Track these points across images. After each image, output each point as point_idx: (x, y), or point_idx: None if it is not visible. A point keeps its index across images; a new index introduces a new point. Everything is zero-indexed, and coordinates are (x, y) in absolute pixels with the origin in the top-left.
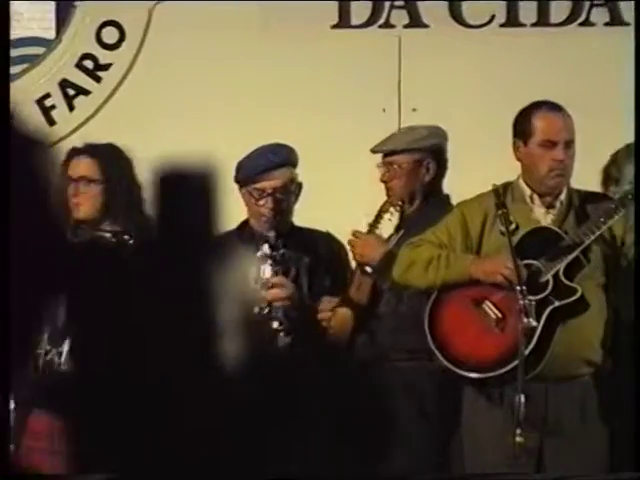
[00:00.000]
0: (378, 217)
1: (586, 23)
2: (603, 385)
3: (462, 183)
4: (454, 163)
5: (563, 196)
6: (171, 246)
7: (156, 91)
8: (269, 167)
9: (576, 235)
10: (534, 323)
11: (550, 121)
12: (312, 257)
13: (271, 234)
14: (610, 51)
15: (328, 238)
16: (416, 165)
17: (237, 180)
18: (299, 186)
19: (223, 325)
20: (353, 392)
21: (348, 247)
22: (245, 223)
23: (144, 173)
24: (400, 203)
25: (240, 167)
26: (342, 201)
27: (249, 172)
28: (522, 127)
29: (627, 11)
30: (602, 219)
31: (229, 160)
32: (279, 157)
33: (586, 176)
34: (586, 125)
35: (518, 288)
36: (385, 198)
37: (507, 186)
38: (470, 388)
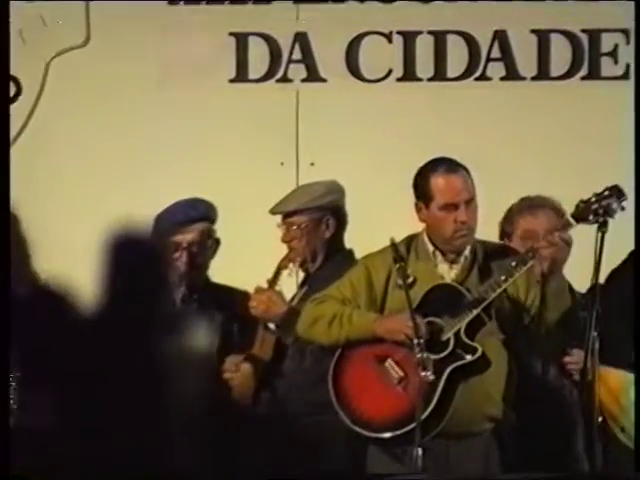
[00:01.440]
0: (276, 274)
1: (482, 78)
2: (506, 440)
3: (364, 237)
4: (355, 217)
5: (467, 251)
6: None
7: (54, 146)
8: (186, 221)
9: (478, 292)
10: (432, 377)
11: (449, 183)
12: (225, 314)
13: (182, 289)
14: (507, 105)
15: (245, 296)
16: (316, 223)
17: (155, 233)
18: (216, 242)
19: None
20: (260, 449)
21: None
22: None
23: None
24: (299, 259)
25: (158, 220)
26: (252, 257)
27: (166, 225)
28: (422, 189)
29: (522, 66)
30: (503, 277)
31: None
32: (197, 211)
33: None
34: (484, 180)
35: (415, 341)
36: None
37: (412, 239)
38: (373, 446)
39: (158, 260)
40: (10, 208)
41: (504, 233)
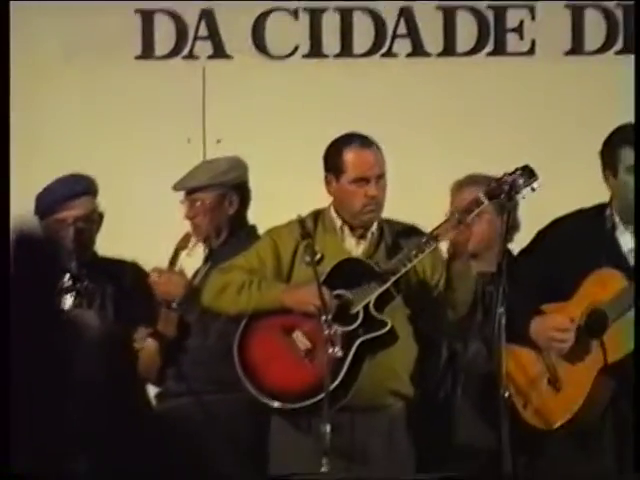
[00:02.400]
0: (175, 254)
1: (388, 54)
2: (411, 416)
3: (269, 213)
4: (260, 193)
5: (374, 227)
6: None
7: None
8: (70, 196)
9: (388, 266)
10: (340, 353)
11: (361, 157)
12: (117, 287)
13: (72, 265)
14: (413, 81)
15: (134, 268)
16: (219, 200)
17: (37, 213)
18: (100, 216)
19: None
20: (162, 427)
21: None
22: None
23: None
24: (202, 236)
25: (40, 199)
26: (148, 233)
27: (49, 203)
28: (333, 163)
29: (429, 42)
30: (414, 252)
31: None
32: (80, 186)
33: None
34: (395, 158)
35: (323, 318)
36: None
37: (318, 214)
38: (278, 418)
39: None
40: (10, 207)
41: None
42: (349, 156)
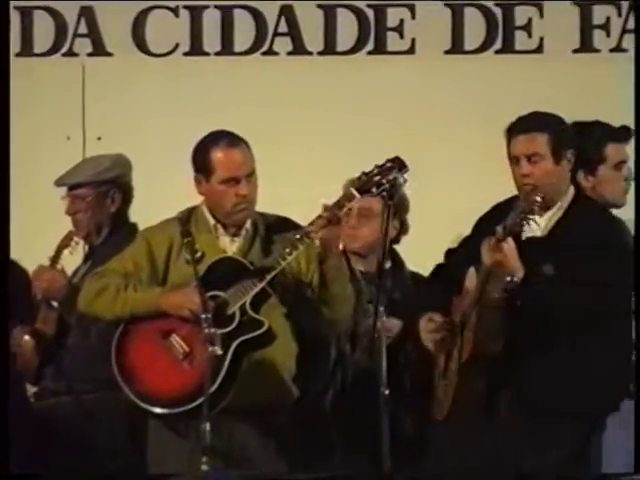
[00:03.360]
0: (57, 253)
1: (269, 52)
2: (294, 415)
3: (149, 211)
4: (140, 191)
5: (248, 224)
6: None
7: None
8: None
9: (262, 265)
10: (219, 351)
11: (230, 157)
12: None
13: None
14: (293, 80)
15: (14, 266)
16: (101, 196)
17: None
18: None
19: None
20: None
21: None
22: None
23: None
24: (83, 232)
25: None
26: (28, 230)
27: None
28: (202, 163)
29: (311, 41)
30: (288, 250)
31: None
32: None
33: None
34: (265, 155)
35: (203, 316)
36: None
37: (192, 212)
38: (156, 422)
39: None
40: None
41: None
42: (217, 156)
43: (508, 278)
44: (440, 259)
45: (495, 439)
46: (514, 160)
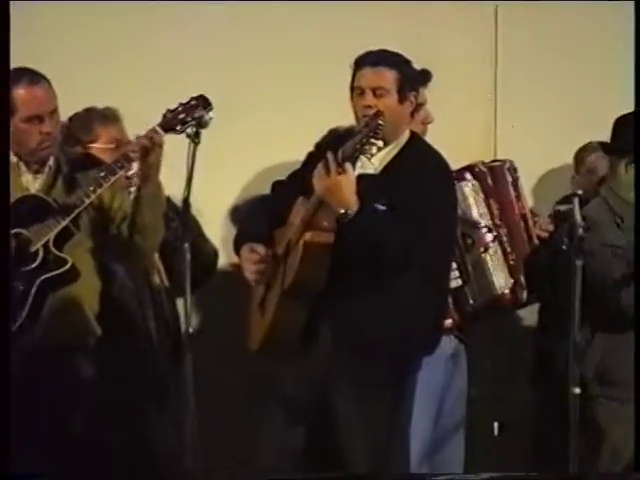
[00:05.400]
0: None
1: None
2: (99, 352)
3: None
4: None
5: (51, 161)
6: None
7: None
8: None
9: (66, 203)
10: (21, 287)
11: (32, 94)
12: None
13: None
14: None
15: None
16: None
17: None
18: None
19: None
20: None
21: None
22: None
23: None
24: None
25: None
26: None
27: None
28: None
29: None
30: (92, 187)
31: None
32: None
33: None
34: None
35: None
36: None
37: None
38: None
39: None
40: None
41: None
42: (19, 94)
43: (342, 211)
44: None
45: (310, 372)
46: (358, 91)
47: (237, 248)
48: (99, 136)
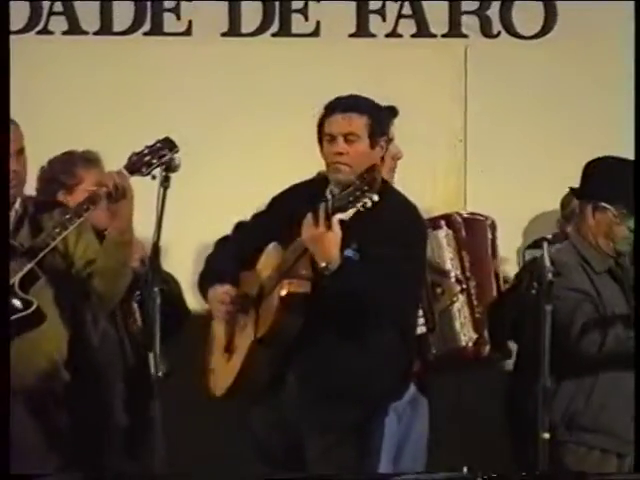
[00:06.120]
0: None
1: (44, 32)
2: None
3: None
4: None
5: (17, 204)
6: None
7: None
8: None
9: (31, 246)
10: None
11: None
12: None
13: None
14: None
15: None
16: None
17: None
18: None
19: None
20: None
21: None
22: None
23: None
24: None
25: None
26: None
27: None
28: None
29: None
30: (57, 229)
31: None
32: None
33: None
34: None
35: None
36: None
37: None
38: None
39: None
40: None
41: None
42: None
43: (324, 264)
44: None
45: (278, 419)
46: (328, 137)
47: (204, 288)
48: (83, 179)
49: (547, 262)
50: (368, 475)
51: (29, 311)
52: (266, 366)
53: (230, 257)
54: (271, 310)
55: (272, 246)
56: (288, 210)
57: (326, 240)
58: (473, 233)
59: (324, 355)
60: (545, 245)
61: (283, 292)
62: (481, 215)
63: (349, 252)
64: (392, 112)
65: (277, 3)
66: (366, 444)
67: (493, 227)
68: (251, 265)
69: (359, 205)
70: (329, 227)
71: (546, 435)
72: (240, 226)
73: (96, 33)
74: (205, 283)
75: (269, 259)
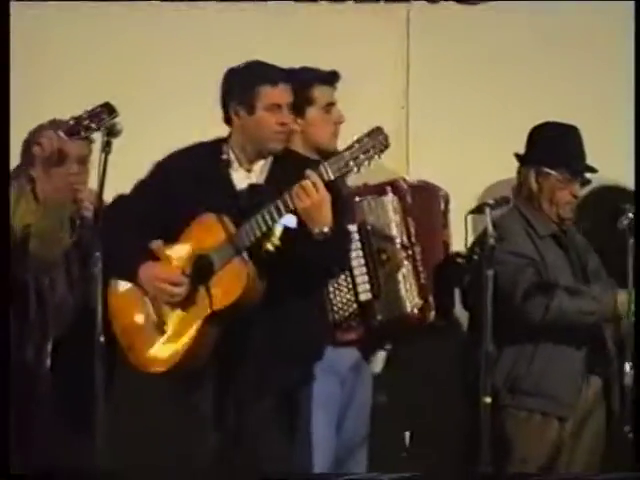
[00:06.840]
0: None
1: None
2: None
3: None
4: None
5: None
6: None
7: None
8: None
9: None
10: None
11: None
12: None
13: None
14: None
15: None
16: None
17: None
18: None
19: None
20: None
21: None
22: None
23: None
24: None
25: None
26: None
27: None
28: None
29: None
30: None
31: None
32: None
33: None
34: None
35: None
36: None
37: None
38: None
39: None
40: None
41: None
42: None
43: (324, 229)
44: None
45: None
46: (273, 107)
47: (128, 267)
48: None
49: (490, 227)
50: (318, 475)
51: None
52: (214, 339)
53: (146, 232)
54: (234, 286)
55: (211, 216)
56: (191, 175)
57: (323, 206)
58: (421, 200)
59: (266, 321)
60: (487, 210)
61: (247, 270)
62: (433, 184)
63: (289, 221)
64: (333, 76)
65: None
66: (295, 408)
67: (446, 199)
68: (176, 239)
69: (360, 167)
70: (324, 193)
71: (488, 399)
72: (143, 195)
73: None
74: (129, 262)
75: (209, 231)
